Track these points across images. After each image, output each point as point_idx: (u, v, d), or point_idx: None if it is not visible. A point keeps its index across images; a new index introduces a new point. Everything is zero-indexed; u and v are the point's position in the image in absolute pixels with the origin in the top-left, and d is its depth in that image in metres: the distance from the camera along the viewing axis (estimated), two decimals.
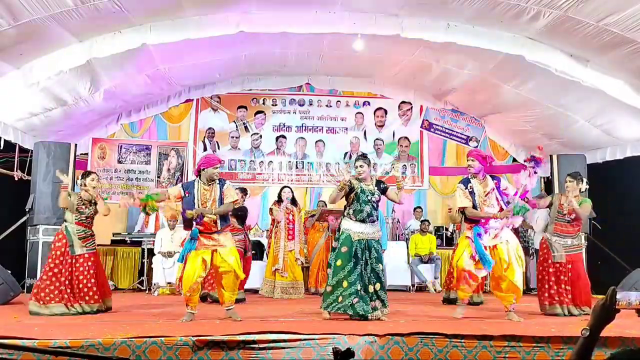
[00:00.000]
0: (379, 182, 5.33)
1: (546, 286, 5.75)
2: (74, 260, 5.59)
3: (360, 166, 5.23)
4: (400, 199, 5.37)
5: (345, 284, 5.02)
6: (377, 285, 5.07)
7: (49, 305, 5.44)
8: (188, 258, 4.91)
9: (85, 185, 5.71)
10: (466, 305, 5.25)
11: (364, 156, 5.38)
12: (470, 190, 5.14)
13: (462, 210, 5.22)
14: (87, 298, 5.57)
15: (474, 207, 5.11)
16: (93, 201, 5.73)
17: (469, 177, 5.25)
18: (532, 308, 5.99)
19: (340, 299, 5.01)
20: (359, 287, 5.02)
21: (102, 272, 5.96)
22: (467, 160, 5.24)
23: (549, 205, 5.92)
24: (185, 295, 4.92)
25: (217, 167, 5.04)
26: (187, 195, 4.97)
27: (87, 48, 6.75)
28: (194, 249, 4.90)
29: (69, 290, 5.53)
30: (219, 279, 5.08)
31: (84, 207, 5.69)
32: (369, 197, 5.16)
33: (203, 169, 5.02)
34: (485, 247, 5.04)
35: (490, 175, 5.30)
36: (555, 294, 5.69)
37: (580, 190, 5.78)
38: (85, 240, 5.68)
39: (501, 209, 5.09)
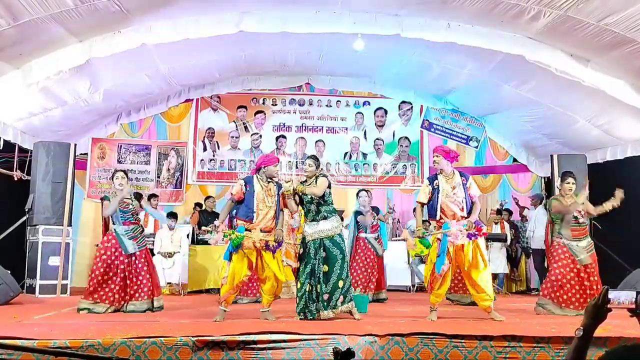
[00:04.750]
0: (317, 178, 5.28)
1: (564, 289, 5.67)
2: (128, 260, 5.70)
3: (309, 165, 5.32)
4: (315, 191, 5.25)
5: (298, 284, 5.16)
6: (318, 287, 5.08)
7: (97, 304, 5.60)
8: (234, 257, 4.96)
9: (116, 186, 5.83)
10: (437, 310, 5.22)
11: (312, 157, 5.46)
12: (435, 187, 5.21)
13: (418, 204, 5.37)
14: (137, 295, 5.68)
15: (434, 203, 5.19)
16: (132, 197, 5.84)
17: (437, 173, 5.32)
18: (531, 308, 5.99)
19: (297, 299, 5.14)
20: (308, 288, 5.10)
21: (153, 269, 5.98)
22: (433, 157, 5.36)
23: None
24: (226, 293, 4.96)
25: (276, 165, 5.23)
26: (247, 188, 5.09)
27: (87, 48, 6.74)
28: (240, 247, 4.94)
29: (121, 292, 5.65)
30: (261, 280, 5.21)
31: (125, 206, 5.77)
32: (306, 198, 5.22)
33: (264, 167, 5.15)
34: (453, 245, 5.06)
35: (460, 172, 5.34)
36: (576, 294, 5.66)
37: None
38: (135, 239, 5.77)
39: (462, 209, 5.16)
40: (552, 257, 5.86)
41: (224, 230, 5.08)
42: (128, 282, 5.71)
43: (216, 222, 5.20)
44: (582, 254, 5.74)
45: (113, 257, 5.69)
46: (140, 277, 5.73)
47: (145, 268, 5.77)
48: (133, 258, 5.75)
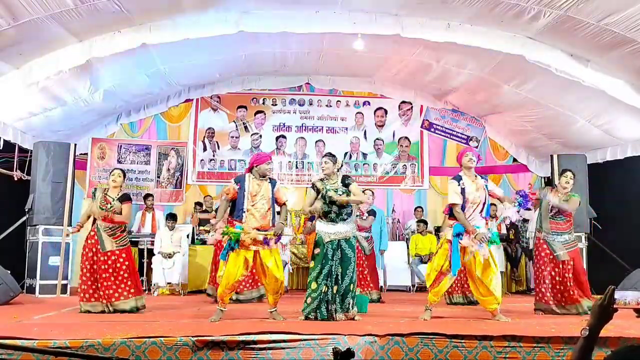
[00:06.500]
0: (345, 178, 5.30)
1: (546, 286, 5.72)
2: (105, 257, 5.62)
3: (325, 162, 5.27)
4: (361, 199, 5.39)
5: (314, 285, 5.09)
6: (335, 288, 5.10)
7: (93, 304, 5.57)
8: (230, 256, 4.96)
9: (109, 182, 5.81)
10: (432, 310, 5.22)
11: (329, 154, 5.40)
12: (462, 187, 5.15)
13: (450, 206, 5.21)
14: (117, 295, 5.59)
15: (463, 206, 5.12)
16: (115, 197, 5.73)
17: (460, 174, 5.26)
18: (532, 308, 5.98)
19: (309, 300, 5.08)
20: (324, 289, 5.07)
21: (133, 269, 5.88)
22: (468, 155, 5.24)
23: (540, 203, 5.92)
24: (222, 292, 4.97)
25: (269, 163, 5.24)
26: (238, 187, 5.10)
27: (87, 48, 6.74)
28: (237, 247, 4.94)
29: (105, 290, 5.58)
30: (262, 281, 5.25)
31: (105, 203, 5.68)
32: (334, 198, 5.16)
33: (256, 166, 5.15)
34: (463, 248, 5.04)
35: (480, 175, 5.34)
36: (558, 292, 5.70)
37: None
38: (115, 237, 5.69)
39: (482, 212, 5.15)
40: (535, 255, 5.93)
41: (222, 228, 5.05)
42: (113, 279, 5.61)
43: (212, 221, 5.19)
44: (561, 249, 5.74)
45: (93, 255, 5.62)
46: (121, 276, 5.64)
47: (123, 267, 5.66)
48: (113, 257, 5.64)
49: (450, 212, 5.25)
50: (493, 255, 5.15)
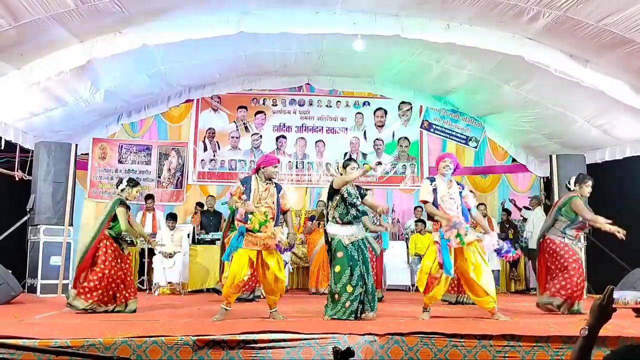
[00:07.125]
0: (359, 187, 5.42)
1: (567, 285, 5.71)
2: (121, 260, 5.74)
3: (357, 168, 5.30)
4: (376, 206, 5.51)
5: (349, 288, 5.06)
6: (364, 288, 5.12)
7: (107, 307, 5.60)
8: (235, 256, 4.99)
9: (129, 194, 5.87)
10: (430, 311, 5.24)
11: (354, 159, 5.49)
12: (434, 187, 5.23)
13: (422, 204, 5.29)
14: (130, 292, 5.71)
15: (434, 204, 5.19)
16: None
17: (435, 176, 5.36)
18: (532, 308, 6.00)
19: (347, 304, 5.02)
20: (362, 290, 5.08)
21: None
22: (445, 161, 5.31)
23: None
24: (227, 292, 4.99)
25: (276, 166, 5.24)
26: (244, 188, 5.12)
27: (88, 48, 6.75)
28: (241, 246, 4.97)
29: (124, 292, 5.69)
30: (262, 281, 5.28)
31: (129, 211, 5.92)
32: (354, 200, 5.22)
33: (263, 168, 5.17)
34: (451, 249, 5.05)
35: (457, 182, 5.40)
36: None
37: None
38: (125, 242, 5.87)
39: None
40: (563, 257, 5.73)
41: (252, 208, 4.97)
42: (129, 279, 5.77)
43: (244, 197, 5.06)
44: (579, 253, 5.87)
45: (115, 258, 5.68)
46: (129, 278, 5.80)
47: (131, 269, 5.90)
48: (127, 260, 5.85)
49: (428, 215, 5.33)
50: (482, 253, 5.14)
